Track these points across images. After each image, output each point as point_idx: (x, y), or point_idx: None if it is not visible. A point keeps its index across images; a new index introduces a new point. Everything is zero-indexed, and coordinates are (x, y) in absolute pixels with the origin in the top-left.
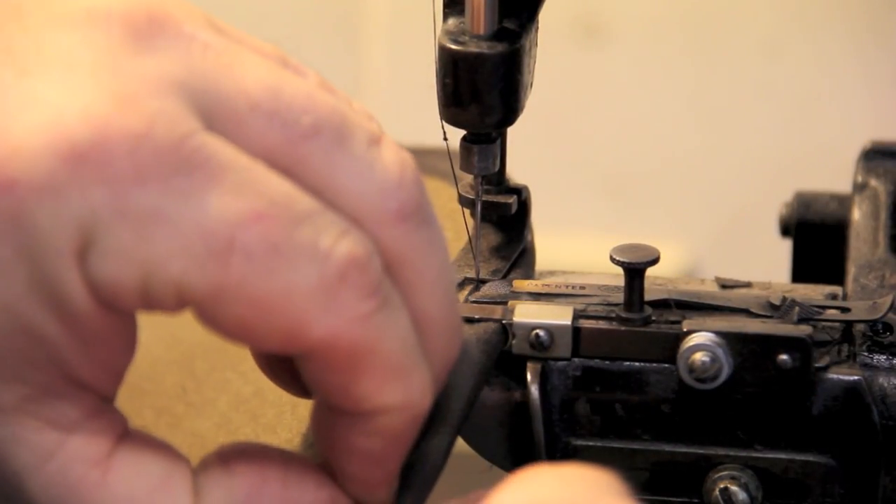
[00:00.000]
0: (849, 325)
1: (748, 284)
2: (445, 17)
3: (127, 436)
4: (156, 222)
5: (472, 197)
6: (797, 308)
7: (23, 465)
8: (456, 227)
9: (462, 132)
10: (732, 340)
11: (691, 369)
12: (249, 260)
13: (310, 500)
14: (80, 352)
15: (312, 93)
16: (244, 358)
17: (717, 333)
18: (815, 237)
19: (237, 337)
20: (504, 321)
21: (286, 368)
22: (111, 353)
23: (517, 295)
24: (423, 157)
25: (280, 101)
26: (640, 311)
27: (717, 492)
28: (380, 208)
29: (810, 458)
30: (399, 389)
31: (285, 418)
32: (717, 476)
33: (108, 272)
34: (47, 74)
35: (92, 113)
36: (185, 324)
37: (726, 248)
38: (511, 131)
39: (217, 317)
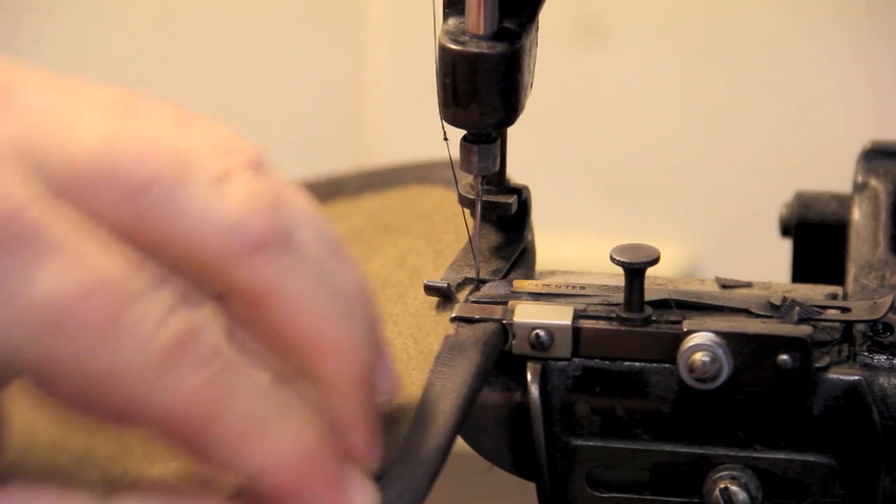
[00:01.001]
0: (849, 325)
1: (748, 284)
2: (445, 17)
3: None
4: None
5: (472, 197)
6: (797, 308)
7: None
8: (457, 229)
9: (462, 132)
10: (732, 340)
11: (691, 369)
12: (75, 341)
13: None
14: None
15: (150, 142)
16: None
17: (718, 333)
18: (816, 237)
19: (77, 409)
20: (504, 321)
21: None
22: None
23: (517, 295)
24: (427, 169)
25: (114, 159)
26: (640, 311)
27: (717, 492)
28: (226, 248)
29: (810, 458)
30: (260, 449)
31: None
32: (717, 476)
33: None
34: None
35: None
36: None
37: (726, 248)
38: (511, 131)
39: (51, 392)
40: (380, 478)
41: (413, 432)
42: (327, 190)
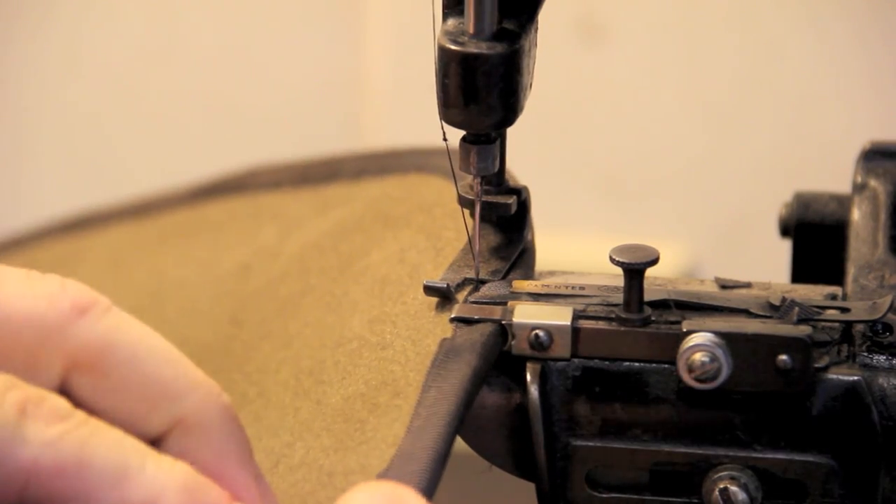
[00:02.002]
0: (848, 325)
1: (748, 285)
2: (445, 17)
3: None
4: None
5: (471, 197)
6: (797, 308)
7: None
8: (457, 225)
9: (462, 132)
10: (732, 341)
11: (691, 369)
12: None
13: None
14: None
15: None
16: (250, 359)
17: (717, 334)
18: (815, 237)
19: None
20: (504, 321)
21: None
22: None
23: (517, 295)
24: (426, 157)
25: None
26: (640, 311)
27: (716, 492)
28: (54, 316)
29: (810, 458)
30: (139, 485)
31: (287, 421)
32: (716, 476)
33: None
34: None
35: None
36: (192, 323)
37: (726, 249)
38: (511, 131)
39: None
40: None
41: (410, 438)
42: (325, 172)
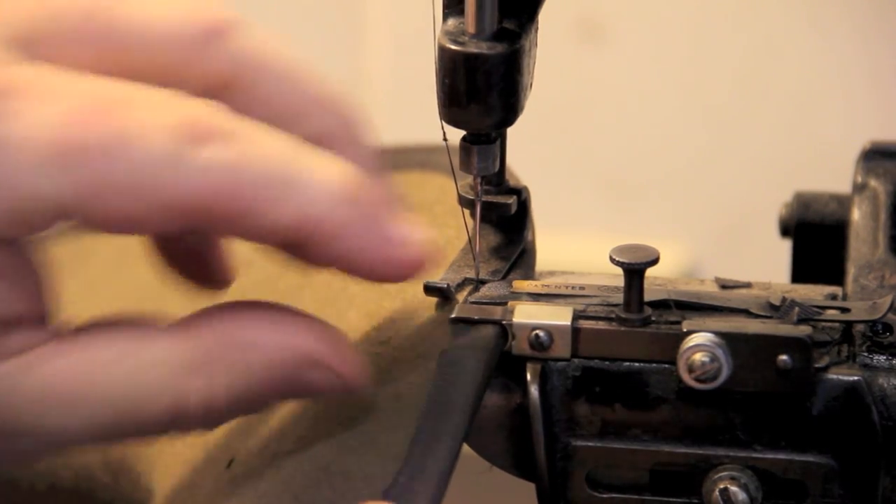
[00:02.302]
0: (848, 325)
1: (748, 285)
2: (445, 17)
3: (82, 326)
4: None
5: (471, 197)
6: (797, 308)
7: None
8: (458, 223)
9: (462, 132)
10: (732, 341)
11: (691, 369)
12: (87, 160)
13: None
14: None
15: None
16: None
17: (717, 334)
18: (815, 237)
19: (122, 230)
20: (504, 322)
21: (184, 257)
22: (13, 284)
23: (517, 295)
24: (428, 154)
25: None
26: (640, 311)
27: (716, 492)
28: (188, 40)
29: (810, 458)
30: (292, 198)
31: (280, 410)
32: (716, 476)
33: None
34: None
35: None
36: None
37: (726, 249)
38: (511, 131)
39: (92, 220)
40: (385, 496)
41: (417, 452)
42: None
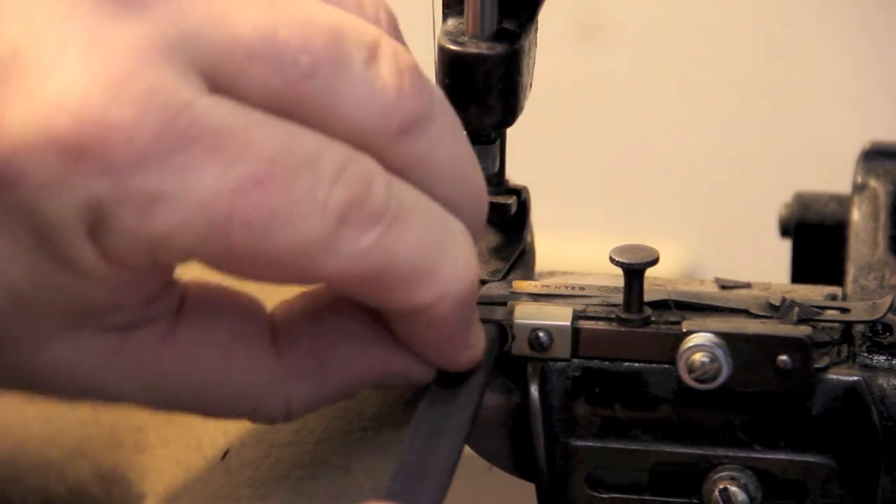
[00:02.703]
0: (848, 325)
1: (748, 285)
2: (445, 17)
3: (189, 302)
4: (157, 202)
5: None
6: (797, 309)
7: (90, 367)
8: None
9: None
10: (732, 341)
11: (691, 370)
12: (250, 227)
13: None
14: (108, 292)
15: (307, 23)
16: None
17: (717, 334)
18: (815, 238)
19: (251, 279)
20: (504, 322)
21: None
22: (143, 281)
23: (517, 296)
24: None
25: (275, 45)
26: (640, 311)
27: (716, 492)
28: (382, 129)
29: (810, 458)
30: (428, 288)
31: None
32: (716, 476)
33: (118, 248)
34: (39, 59)
35: (86, 106)
36: None
37: (726, 249)
38: (511, 131)
39: (229, 271)
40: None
41: (419, 449)
42: None
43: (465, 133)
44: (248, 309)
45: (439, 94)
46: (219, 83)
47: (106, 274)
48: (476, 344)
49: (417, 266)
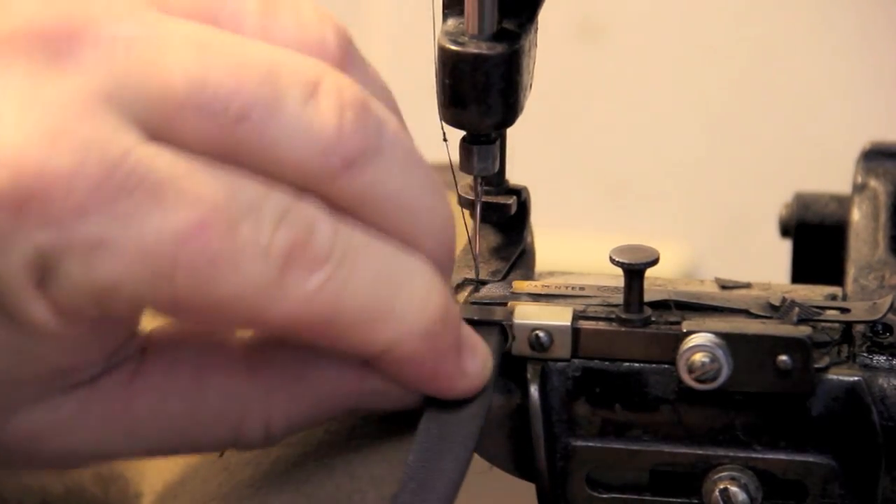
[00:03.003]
0: (848, 325)
1: (748, 285)
2: (445, 17)
3: (155, 337)
4: (100, 250)
5: (471, 198)
6: (797, 309)
7: (62, 429)
8: (457, 228)
9: (461, 133)
10: (732, 341)
11: (691, 370)
12: (194, 274)
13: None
14: (72, 352)
15: (239, 66)
16: None
17: (717, 334)
18: (815, 238)
19: (200, 325)
20: (504, 322)
21: None
22: (102, 334)
23: (517, 296)
24: None
25: (205, 91)
26: (640, 311)
27: (716, 492)
28: (324, 168)
29: (810, 458)
30: (383, 331)
31: None
32: (716, 477)
33: (67, 300)
34: None
35: (24, 159)
36: None
37: (726, 249)
38: (511, 131)
39: (180, 318)
40: None
41: (424, 463)
42: None
43: (423, 163)
44: (208, 355)
45: (392, 125)
46: (156, 131)
47: (60, 330)
48: (472, 371)
49: (368, 309)
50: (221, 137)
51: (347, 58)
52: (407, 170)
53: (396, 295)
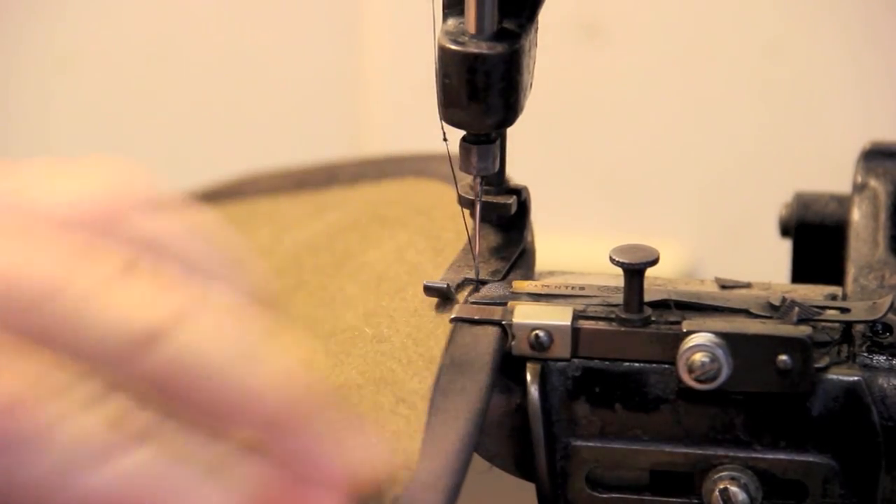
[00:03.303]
0: (848, 325)
1: (748, 285)
2: (445, 17)
3: None
4: None
5: (471, 198)
6: (797, 308)
7: None
8: (457, 227)
9: (462, 132)
10: (732, 341)
11: (691, 370)
12: (3, 455)
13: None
14: None
15: (31, 257)
16: None
17: (717, 334)
18: (815, 238)
19: None
20: (504, 322)
21: None
22: None
23: (517, 296)
24: (425, 162)
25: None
26: (640, 311)
27: (716, 492)
28: (125, 345)
29: (810, 458)
30: None
31: None
32: (716, 476)
33: None
34: None
35: None
36: None
37: (726, 249)
38: (511, 131)
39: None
40: None
41: (427, 460)
42: (322, 178)
43: (244, 322)
44: None
45: (196, 294)
46: None
47: None
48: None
49: (175, 490)
50: (19, 325)
51: (117, 219)
52: (219, 338)
53: (204, 479)
